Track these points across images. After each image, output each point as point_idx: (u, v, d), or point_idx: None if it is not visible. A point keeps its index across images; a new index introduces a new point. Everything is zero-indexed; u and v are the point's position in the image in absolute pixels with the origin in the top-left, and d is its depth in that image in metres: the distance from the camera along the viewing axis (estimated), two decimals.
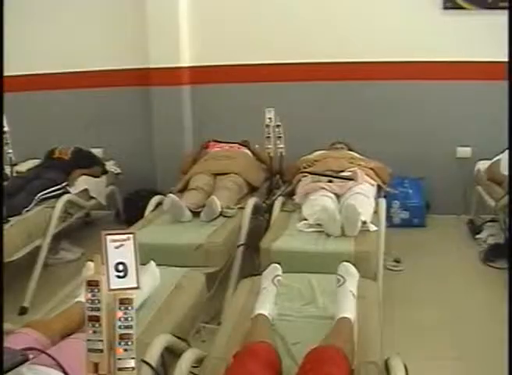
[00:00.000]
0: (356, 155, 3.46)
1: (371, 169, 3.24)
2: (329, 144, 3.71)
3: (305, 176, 3.17)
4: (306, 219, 2.72)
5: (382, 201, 2.99)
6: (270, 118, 3.42)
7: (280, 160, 3.53)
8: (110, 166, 4.08)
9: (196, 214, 2.88)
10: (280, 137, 3.46)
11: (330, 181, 2.99)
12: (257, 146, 3.83)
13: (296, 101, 4.06)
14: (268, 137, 3.46)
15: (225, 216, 2.90)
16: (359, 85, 3.99)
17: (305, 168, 3.33)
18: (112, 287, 1.07)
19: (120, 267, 1.08)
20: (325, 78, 4.00)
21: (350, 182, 2.95)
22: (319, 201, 2.77)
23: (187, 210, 2.85)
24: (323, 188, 2.90)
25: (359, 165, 3.24)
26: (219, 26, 4.08)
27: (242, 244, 2.79)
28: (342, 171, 3.17)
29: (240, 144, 3.82)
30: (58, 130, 4.27)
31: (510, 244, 2.81)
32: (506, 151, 3.26)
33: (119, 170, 4.14)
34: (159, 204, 3.11)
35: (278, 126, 3.43)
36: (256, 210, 3.12)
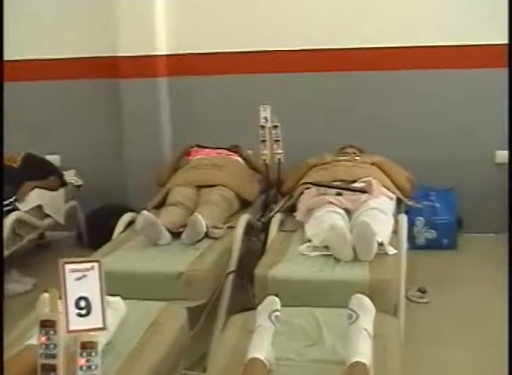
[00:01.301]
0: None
1: (383, 170, 3.32)
2: (338, 148, 3.74)
3: (308, 187, 3.19)
4: (310, 241, 2.74)
5: (403, 218, 3.02)
6: (265, 117, 3.44)
7: (278, 169, 3.56)
8: (69, 176, 4.09)
9: (176, 235, 2.89)
10: (278, 140, 3.49)
11: (339, 194, 3.01)
12: (249, 152, 3.85)
13: (297, 96, 4.10)
14: (264, 140, 3.48)
15: (212, 238, 2.91)
16: (373, 76, 4.03)
17: (311, 168, 3.36)
18: (72, 328, 1.08)
19: (82, 303, 1.08)
20: (332, 68, 4.04)
21: (364, 195, 2.98)
22: (326, 218, 2.79)
23: (165, 230, 2.86)
24: (331, 203, 2.93)
25: (364, 162, 3.31)
26: (202, 6, 4.12)
27: (232, 272, 2.80)
28: (353, 181, 3.20)
29: (230, 150, 3.84)
30: (4, 132, 4.26)
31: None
32: None
33: (80, 182, 4.14)
34: (131, 223, 3.12)
35: (275, 127, 3.46)
36: (249, 230, 3.14)
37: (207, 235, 2.90)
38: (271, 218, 3.15)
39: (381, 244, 2.61)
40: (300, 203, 3.18)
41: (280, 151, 3.51)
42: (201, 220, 2.86)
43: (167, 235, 2.87)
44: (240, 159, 3.81)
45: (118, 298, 2.10)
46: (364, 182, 3.15)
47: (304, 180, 3.35)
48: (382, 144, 3.85)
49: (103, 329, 1.10)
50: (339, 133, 3.95)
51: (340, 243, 2.56)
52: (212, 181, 3.38)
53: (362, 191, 3.02)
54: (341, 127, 4.06)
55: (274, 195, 3.65)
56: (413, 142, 4.02)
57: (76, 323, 1.10)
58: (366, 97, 4.07)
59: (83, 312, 1.10)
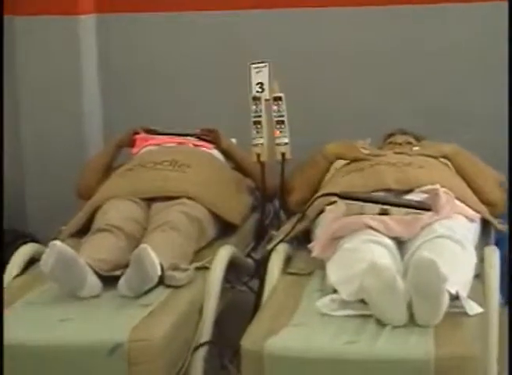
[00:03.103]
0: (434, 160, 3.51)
1: (459, 170, 3.35)
2: (383, 135, 3.78)
3: (333, 202, 3.19)
4: (335, 291, 2.72)
5: (493, 253, 3.01)
6: (260, 84, 3.46)
7: (282, 169, 3.57)
8: None
9: (110, 282, 2.88)
10: (282, 121, 3.49)
11: (384, 213, 3.00)
12: (233, 141, 3.88)
13: (314, 48, 4.15)
14: (257, 122, 3.49)
15: (171, 286, 2.90)
16: (427, 11, 4.11)
17: (332, 162, 3.39)
18: None
19: None
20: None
21: (426, 214, 2.96)
22: (362, 252, 2.77)
23: (91, 274, 2.84)
24: (370, 227, 2.91)
25: (426, 157, 3.34)
26: None
27: (205, 344, 2.81)
28: (409, 191, 3.21)
29: (200, 138, 3.85)
30: None
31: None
32: None
33: None
34: (34, 261, 3.13)
35: (277, 99, 3.48)
36: (233, 272, 3.15)
37: (162, 282, 2.89)
38: (270, 252, 3.13)
39: (455, 298, 2.58)
40: (318, 227, 3.19)
41: (286, 139, 3.52)
42: (152, 257, 2.83)
43: (94, 281, 2.85)
44: (217, 153, 3.82)
45: None
46: (426, 192, 3.15)
47: (324, 189, 3.34)
48: (454, 127, 3.86)
49: None
50: (384, 112, 3.96)
51: (386, 295, 2.52)
52: (171, 190, 3.38)
53: (423, 207, 3.02)
54: (385, 101, 4.09)
55: (275, 214, 3.66)
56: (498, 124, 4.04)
57: None
58: (426, 49, 4.15)
59: None
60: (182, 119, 3.93)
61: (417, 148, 3.49)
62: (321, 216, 3.21)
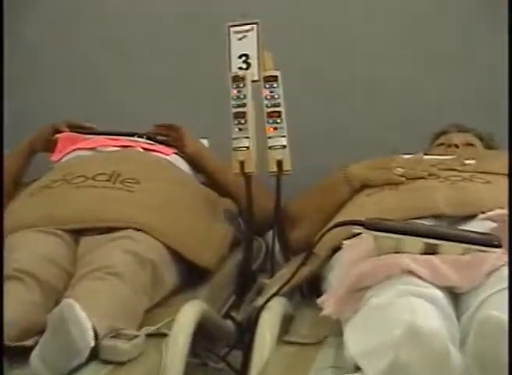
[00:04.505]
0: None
1: None
2: (431, 135, 3.85)
3: (354, 235, 3.21)
4: (358, 369, 2.72)
5: None
6: (244, 57, 3.49)
7: (277, 185, 3.60)
8: None
9: (18, 354, 2.89)
10: (277, 113, 3.52)
11: (431, 251, 3.02)
12: (204, 142, 3.93)
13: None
14: (240, 113, 3.51)
15: (110, 362, 2.91)
16: None
17: (359, 191, 3.43)
18: None
19: None
20: None
21: (494, 253, 2.98)
22: (399, 309, 2.77)
23: None
24: (410, 272, 2.93)
25: (489, 172, 3.41)
26: None
27: None
28: (468, 218, 3.24)
29: (155, 140, 3.94)
30: None
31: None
32: None
33: None
34: None
35: (270, 79, 3.51)
36: (205, 341, 3.17)
37: (96, 355, 2.88)
38: (259, 311, 3.13)
39: None
40: (332, 272, 3.21)
41: (283, 141, 3.55)
42: (81, 317, 2.81)
43: None
44: (179, 161, 3.89)
45: None
46: (493, 219, 3.16)
47: (342, 215, 3.37)
48: None
49: None
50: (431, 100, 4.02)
51: (434, 373, 2.52)
52: (110, 218, 3.42)
53: (489, 242, 3.03)
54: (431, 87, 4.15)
55: (267, 252, 3.69)
56: None
57: None
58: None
59: None
60: (127, 111, 3.96)
61: (471, 161, 3.50)
62: (337, 255, 3.24)
